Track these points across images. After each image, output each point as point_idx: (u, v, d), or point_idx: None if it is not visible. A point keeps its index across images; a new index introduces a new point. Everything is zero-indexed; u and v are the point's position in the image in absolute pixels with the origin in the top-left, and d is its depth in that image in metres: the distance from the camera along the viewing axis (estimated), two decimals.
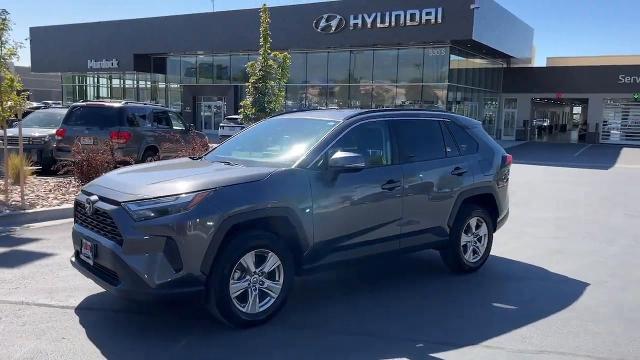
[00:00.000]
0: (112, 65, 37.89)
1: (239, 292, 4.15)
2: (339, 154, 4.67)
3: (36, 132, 14.44)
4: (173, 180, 4.34)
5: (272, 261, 4.30)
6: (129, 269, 3.89)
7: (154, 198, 4.00)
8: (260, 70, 15.60)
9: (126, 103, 13.90)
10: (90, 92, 43.08)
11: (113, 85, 42.77)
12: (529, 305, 5.04)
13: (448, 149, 5.87)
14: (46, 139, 13.70)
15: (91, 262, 4.29)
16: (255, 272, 4.22)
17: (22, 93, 9.57)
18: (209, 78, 37.31)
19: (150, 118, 13.91)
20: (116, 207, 4.06)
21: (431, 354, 3.91)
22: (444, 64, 29.65)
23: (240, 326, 4.17)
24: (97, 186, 4.63)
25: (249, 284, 4.20)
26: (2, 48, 9.23)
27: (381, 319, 4.60)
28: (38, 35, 40.91)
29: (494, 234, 6.37)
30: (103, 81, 42.96)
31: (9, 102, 9.33)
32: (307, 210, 4.47)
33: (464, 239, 5.89)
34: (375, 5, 28.96)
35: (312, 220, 4.50)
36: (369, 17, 29.07)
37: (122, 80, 42.25)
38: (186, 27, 34.39)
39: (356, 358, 3.84)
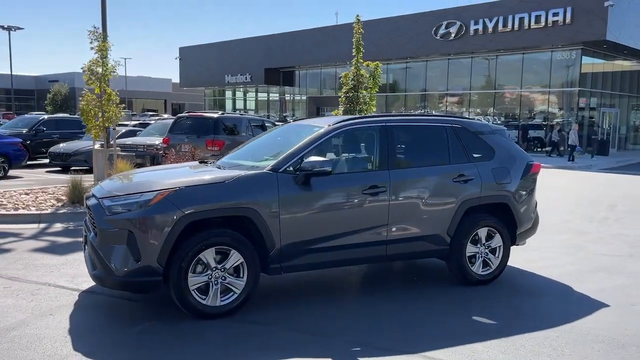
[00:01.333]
0: (246, 79, 40.69)
1: (199, 285, 4.48)
2: (309, 159, 4.83)
3: (155, 140, 16.23)
4: (152, 180, 4.82)
5: (235, 258, 4.57)
6: (100, 257, 4.43)
7: (123, 195, 4.51)
8: (352, 80, 15.93)
9: (222, 114, 15.03)
10: (228, 105, 46.61)
11: (247, 98, 45.86)
12: (512, 320, 4.73)
13: (452, 156, 5.68)
14: (158, 147, 15.32)
15: (83, 251, 4.94)
16: (216, 268, 4.53)
17: (119, 105, 10.92)
18: (332, 89, 38.41)
19: (246, 128, 14.88)
20: (96, 202, 4.64)
21: (360, 358, 3.90)
22: (574, 67, 27.41)
23: (200, 317, 4.49)
24: (99, 184, 5.28)
25: (209, 278, 4.51)
26: (105, 67, 10.66)
27: (345, 322, 4.64)
28: (185, 54, 45.42)
29: (534, 248, 5.99)
30: (238, 94, 46.26)
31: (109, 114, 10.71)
32: (273, 212, 4.68)
33: (471, 249, 5.64)
34: (496, 9, 27.76)
35: (278, 221, 4.69)
36: (490, 22, 27.91)
37: (255, 93, 45.16)
38: (311, 41, 35.81)
39: (286, 354, 3.96)
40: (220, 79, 42.73)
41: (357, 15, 16.24)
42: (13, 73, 55.83)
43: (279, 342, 4.18)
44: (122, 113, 11.29)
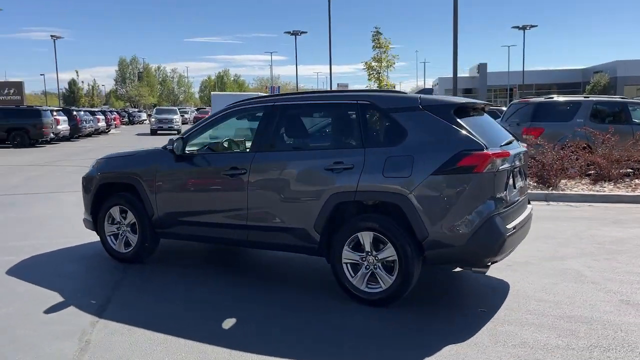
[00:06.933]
0: None
1: (112, 233, 5.89)
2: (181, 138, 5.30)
3: None
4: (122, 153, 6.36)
5: (130, 218, 5.70)
6: None
7: (96, 159, 6.28)
8: None
9: (549, 97, 12.97)
10: None
11: None
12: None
13: (339, 139, 4.65)
14: None
15: None
16: (120, 223, 5.77)
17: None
18: None
19: (585, 113, 12.41)
20: None
21: (93, 316, 4.49)
22: None
23: (115, 258, 5.83)
24: None
25: (118, 229, 5.83)
26: (382, 62, 11.92)
27: (184, 312, 4.69)
28: None
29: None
30: None
31: None
32: (150, 183, 5.51)
33: (349, 255, 4.55)
34: None
35: (154, 192, 5.46)
36: None
37: None
38: None
39: (98, 295, 4.85)
40: None
41: None
42: (560, 67, 57.93)
43: (121, 281, 5.21)
44: None
